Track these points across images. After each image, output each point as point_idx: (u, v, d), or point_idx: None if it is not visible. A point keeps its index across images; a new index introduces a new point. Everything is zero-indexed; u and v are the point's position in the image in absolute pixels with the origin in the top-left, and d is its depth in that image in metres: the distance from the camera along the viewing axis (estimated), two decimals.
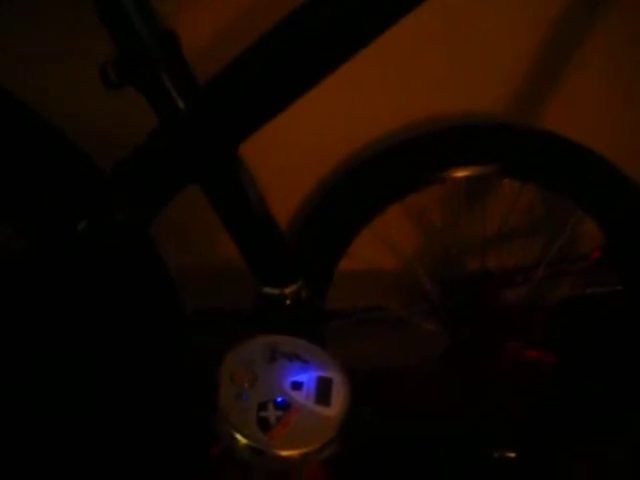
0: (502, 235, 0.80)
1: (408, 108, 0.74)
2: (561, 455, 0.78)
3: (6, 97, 0.53)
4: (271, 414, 0.54)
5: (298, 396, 0.56)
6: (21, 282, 0.57)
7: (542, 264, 0.75)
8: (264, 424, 0.54)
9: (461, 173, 0.66)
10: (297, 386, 0.56)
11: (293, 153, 0.68)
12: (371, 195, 0.71)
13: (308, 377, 0.57)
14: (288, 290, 0.57)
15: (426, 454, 0.79)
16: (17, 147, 0.55)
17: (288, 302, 0.57)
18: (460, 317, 0.76)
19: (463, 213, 0.80)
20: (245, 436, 0.54)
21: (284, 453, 0.53)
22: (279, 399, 0.55)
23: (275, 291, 0.57)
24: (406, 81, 0.71)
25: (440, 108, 0.74)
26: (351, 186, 0.72)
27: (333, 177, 0.75)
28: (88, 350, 0.62)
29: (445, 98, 0.73)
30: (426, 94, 0.73)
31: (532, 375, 0.77)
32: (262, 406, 0.55)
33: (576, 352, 0.79)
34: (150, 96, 0.47)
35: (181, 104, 0.47)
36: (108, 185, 0.52)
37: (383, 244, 0.77)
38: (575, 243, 0.79)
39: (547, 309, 0.79)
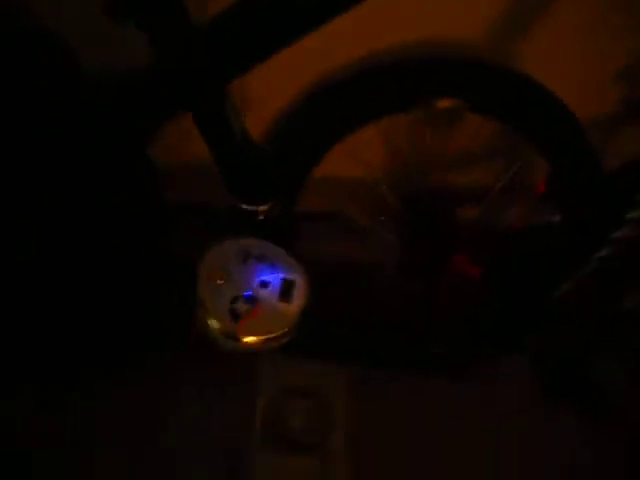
0: (462, 160, 0.87)
1: (389, 30, 0.77)
2: None
3: None
4: (241, 306, 0.65)
5: (264, 293, 0.66)
6: None
7: (494, 190, 0.83)
8: (234, 314, 0.65)
9: (427, 104, 0.72)
10: (264, 284, 0.66)
11: (273, 64, 0.73)
12: (345, 114, 0.76)
13: (274, 277, 0.67)
14: (261, 208, 0.65)
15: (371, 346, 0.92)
16: None
17: (261, 217, 0.66)
18: (416, 229, 0.85)
19: (429, 137, 0.86)
20: (218, 323, 0.64)
21: (249, 339, 0.64)
22: (248, 294, 0.66)
23: (250, 208, 0.65)
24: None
25: (420, 34, 0.77)
26: (326, 104, 0.77)
27: (310, 93, 0.79)
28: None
29: (425, 24, 0.76)
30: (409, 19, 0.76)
31: (471, 287, 0.88)
32: (234, 299, 0.65)
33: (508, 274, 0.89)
34: (150, 32, 0.51)
35: (178, 43, 0.52)
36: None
37: (352, 158, 0.83)
38: (528, 176, 0.86)
39: (494, 233, 0.88)
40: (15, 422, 0.83)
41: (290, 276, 0.67)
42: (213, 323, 0.65)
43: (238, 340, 0.64)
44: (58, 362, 0.83)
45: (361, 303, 0.91)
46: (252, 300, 0.65)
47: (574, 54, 0.82)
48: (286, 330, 0.64)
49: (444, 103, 0.73)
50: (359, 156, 0.83)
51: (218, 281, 0.66)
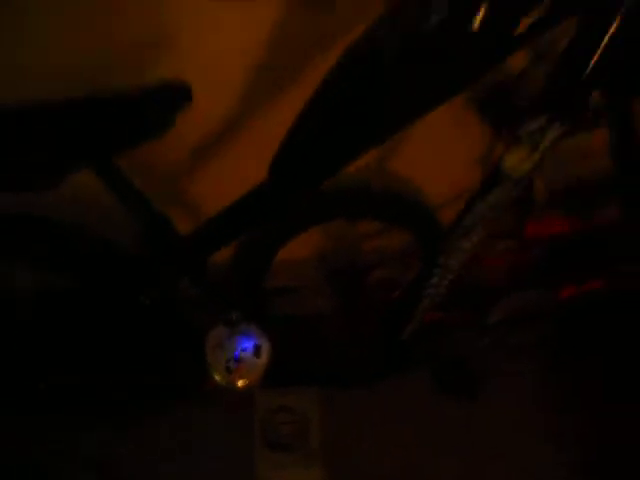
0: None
1: None
2: None
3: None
4: (231, 364, 1.09)
5: (245, 354, 1.10)
6: None
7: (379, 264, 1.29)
8: (229, 369, 1.09)
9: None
10: (245, 349, 1.11)
11: None
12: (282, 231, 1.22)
13: (249, 343, 1.11)
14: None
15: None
16: None
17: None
18: (342, 293, 1.30)
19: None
20: (219, 376, 1.09)
21: (239, 384, 1.09)
22: (236, 356, 1.10)
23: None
24: None
25: None
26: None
27: None
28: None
29: None
30: None
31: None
32: (227, 360, 1.10)
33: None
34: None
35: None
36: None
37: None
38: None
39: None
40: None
41: (259, 342, 1.11)
42: (216, 376, 1.09)
43: (233, 386, 1.09)
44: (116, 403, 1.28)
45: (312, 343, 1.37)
46: (238, 360, 1.10)
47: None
48: (260, 376, 1.09)
49: None
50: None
51: (217, 349, 1.11)
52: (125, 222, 0.88)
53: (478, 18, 0.62)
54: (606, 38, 0.66)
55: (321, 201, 1.19)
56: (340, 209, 1.20)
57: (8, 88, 0.78)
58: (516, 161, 0.78)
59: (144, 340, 1.16)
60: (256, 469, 1.24)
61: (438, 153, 1.16)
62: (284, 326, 1.20)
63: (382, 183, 1.23)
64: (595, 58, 0.68)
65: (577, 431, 1.37)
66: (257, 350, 1.11)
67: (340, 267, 1.35)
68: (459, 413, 1.38)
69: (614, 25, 0.65)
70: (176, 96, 0.77)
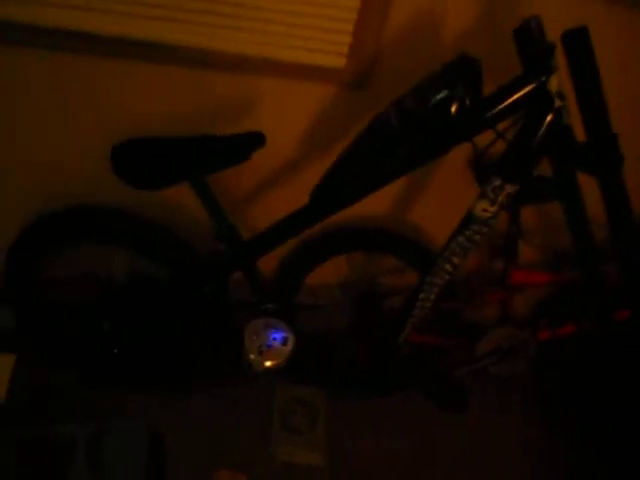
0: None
1: None
2: None
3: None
4: (264, 348, 1.41)
5: (274, 342, 1.42)
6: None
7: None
8: (261, 352, 1.41)
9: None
10: (275, 339, 1.43)
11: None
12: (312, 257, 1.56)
13: (279, 335, 1.43)
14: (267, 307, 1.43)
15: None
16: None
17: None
18: (359, 315, 1.62)
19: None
20: (254, 357, 1.41)
21: (267, 364, 1.40)
22: (267, 344, 1.42)
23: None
24: None
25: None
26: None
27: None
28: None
29: None
30: None
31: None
32: (261, 345, 1.42)
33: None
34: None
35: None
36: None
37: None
38: None
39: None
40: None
41: (286, 334, 1.44)
42: (251, 355, 1.41)
43: (262, 365, 1.40)
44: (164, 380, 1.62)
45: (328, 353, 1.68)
46: (269, 345, 1.42)
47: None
48: (286, 359, 1.40)
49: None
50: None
51: (253, 338, 1.43)
52: (201, 229, 1.25)
53: (454, 107, 0.98)
54: (544, 125, 1.01)
55: (344, 235, 1.54)
56: (358, 242, 1.55)
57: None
58: (482, 208, 1.11)
59: (200, 325, 1.50)
60: (272, 444, 1.53)
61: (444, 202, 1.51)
62: (308, 337, 1.52)
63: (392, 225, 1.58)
64: (537, 138, 1.02)
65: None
66: (284, 340, 1.43)
67: (360, 293, 1.68)
68: (447, 423, 1.66)
69: (549, 117, 1.00)
70: (254, 139, 1.14)
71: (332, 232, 1.53)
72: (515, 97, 1.00)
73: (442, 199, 1.51)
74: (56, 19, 1.14)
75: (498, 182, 1.08)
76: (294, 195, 1.22)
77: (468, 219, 1.14)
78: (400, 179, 1.52)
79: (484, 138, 1.09)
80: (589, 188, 1.10)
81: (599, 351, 1.70)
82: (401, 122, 1.00)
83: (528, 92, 0.99)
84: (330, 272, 1.71)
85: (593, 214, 1.16)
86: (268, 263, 1.56)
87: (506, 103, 1.00)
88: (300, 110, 1.36)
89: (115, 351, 1.55)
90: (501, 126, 1.06)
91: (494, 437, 1.69)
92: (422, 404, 1.63)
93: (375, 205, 1.57)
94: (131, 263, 1.47)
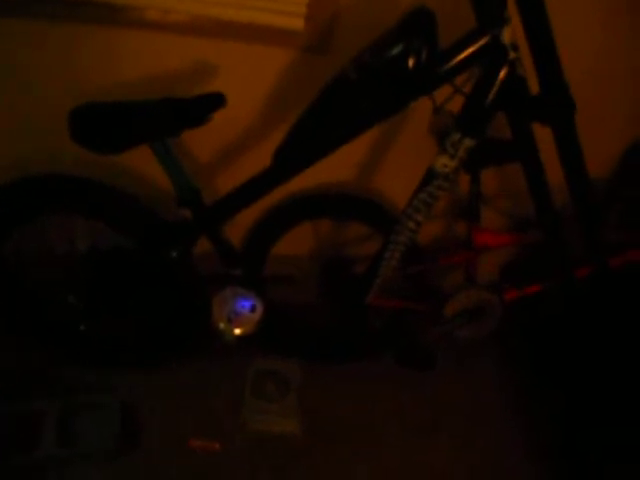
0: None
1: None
2: None
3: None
4: (232, 315, 1.41)
5: (242, 309, 1.43)
6: None
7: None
8: (230, 320, 1.41)
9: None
10: (243, 306, 1.43)
11: None
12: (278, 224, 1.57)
13: (247, 303, 1.44)
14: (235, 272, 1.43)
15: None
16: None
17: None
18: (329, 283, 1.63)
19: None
20: (223, 324, 1.41)
21: (237, 332, 1.40)
22: (236, 312, 1.42)
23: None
24: None
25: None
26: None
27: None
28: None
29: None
30: None
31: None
32: (229, 313, 1.42)
33: None
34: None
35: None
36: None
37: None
38: None
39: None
40: None
41: (254, 302, 1.44)
42: (220, 325, 1.41)
43: (231, 332, 1.40)
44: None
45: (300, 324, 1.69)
46: (237, 313, 1.42)
47: None
48: (254, 327, 1.41)
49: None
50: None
51: (222, 305, 1.43)
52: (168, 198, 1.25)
53: (411, 61, 0.99)
54: (499, 77, 1.02)
55: (309, 202, 1.54)
56: (321, 209, 1.55)
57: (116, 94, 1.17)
58: (442, 163, 1.13)
59: (167, 291, 1.49)
60: (244, 412, 1.54)
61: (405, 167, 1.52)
62: (278, 307, 1.53)
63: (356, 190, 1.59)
64: (493, 90, 1.03)
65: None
66: (253, 308, 1.43)
67: (328, 260, 1.68)
68: (417, 388, 1.70)
69: (504, 69, 1.01)
70: (213, 100, 1.13)
71: (296, 199, 1.54)
72: (470, 50, 1.01)
73: (404, 165, 1.52)
74: None
75: (457, 136, 1.09)
76: (258, 159, 1.21)
77: (429, 175, 1.16)
78: (362, 146, 1.54)
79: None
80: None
81: (565, 312, 1.74)
82: (359, 75, 1.01)
83: (482, 45, 1.01)
84: (298, 244, 1.71)
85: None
86: (235, 234, 1.55)
87: (462, 56, 1.02)
88: (262, 75, 1.36)
89: (82, 327, 1.53)
90: (459, 81, 1.08)
91: (462, 400, 1.73)
92: (394, 368, 1.65)
93: (338, 172, 1.58)
94: (94, 234, 1.44)
